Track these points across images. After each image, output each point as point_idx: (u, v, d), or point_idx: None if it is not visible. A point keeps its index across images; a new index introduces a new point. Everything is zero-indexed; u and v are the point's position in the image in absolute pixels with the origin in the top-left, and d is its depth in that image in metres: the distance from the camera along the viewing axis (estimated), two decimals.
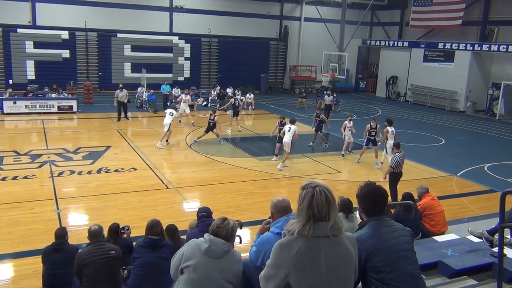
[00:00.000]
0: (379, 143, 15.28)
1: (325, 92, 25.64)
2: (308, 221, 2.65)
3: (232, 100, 20.92)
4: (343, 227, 2.76)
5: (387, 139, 14.49)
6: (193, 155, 15.86)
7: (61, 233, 6.21)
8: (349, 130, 15.86)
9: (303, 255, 2.65)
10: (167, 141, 16.79)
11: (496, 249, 5.18)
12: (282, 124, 15.63)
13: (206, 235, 3.70)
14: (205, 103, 26.68)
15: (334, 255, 2.70)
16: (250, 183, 13.02)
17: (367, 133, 15.22)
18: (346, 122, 16.00)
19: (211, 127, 16.95)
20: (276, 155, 15.43)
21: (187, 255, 3.66)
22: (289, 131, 14.44)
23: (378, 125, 15.22)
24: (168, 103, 24.94)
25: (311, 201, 2.65)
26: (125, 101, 20.90)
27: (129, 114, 22.14)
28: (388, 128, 14.58)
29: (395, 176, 11.20)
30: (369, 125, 15.30)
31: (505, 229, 5.10)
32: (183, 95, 21.49)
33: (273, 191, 12.09)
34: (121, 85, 21.16)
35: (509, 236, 6.09)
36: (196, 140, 17.13)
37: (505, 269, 4.63)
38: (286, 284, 2.71)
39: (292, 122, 14.82)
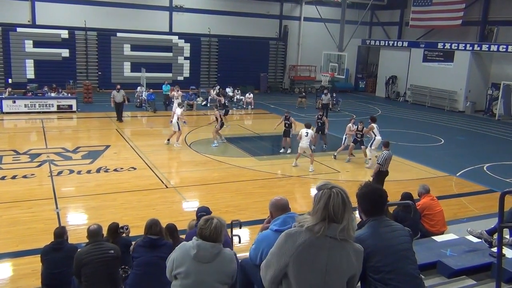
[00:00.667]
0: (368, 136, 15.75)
1: (323, 92, 25.67)
2: (322, 221, 2.66)
3: (222, 99, 21.02)
4: (353, 234, 2.75)
5: (375, 135, 15.05)
6: (192, 155, 15.85)
7: (60, 232, 6.20)
8: (352, 132, 15.89)
9: (306, 249, 2.67)
10: (168, 139, 16.73)
11: (495, 249, 5.18)
12: (287, 119, 16.15)
13: (194, 239, 3.63)
14: (204, 102, 26.67)
15: (337, 257, 2.71)
16: (249, 183, 13.02)
17: (354, 134, 15.72)
18: (350, 124, 16.04)
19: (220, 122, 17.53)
20: (284, 147, 16.24)
21: (177, 261, 3.63)
22: (306, 136, 14.26)
23: (364, 128, 15.56)
24: (167, 103, 24.95)
25: (327, 202, 2.65)
26: (126, 102, 20.76)
27: (128, 113, 22.18)
28: (372, 124, 15.09)
29: (380, 174, 11.19)
30: (356, 126, 15.73)
31: (504, 229, 5.10)
32: (174, 92, 21.33)
33: (272, 191, 12.08)
34: (118, 86, 20.88)
35: (508, 236, 6.10)
36: (223, 139, 17.47)
37: (504, 269, 4.63)
38: (284, 274, 2.73)
39: (308, 126, 14.59)
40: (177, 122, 16.50)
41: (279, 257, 2.73)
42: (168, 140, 16.77)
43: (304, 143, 14.27)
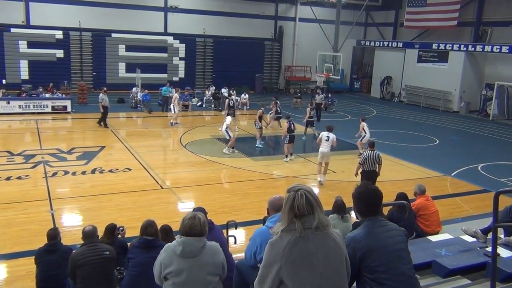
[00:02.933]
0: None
1: (317, 91, 25.77)
2: (291, 220, 2.74)
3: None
4: (329, 225, 2.84)
5: (365, 133, 16.16)
6: (188, 156, 15.83)
7: (53, 234, 6.16)
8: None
9: (293, 247, 2.71)
10: (232, 147, 16.19)
11: (489, 249, 5.21)
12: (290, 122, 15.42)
13: (178, 237, 3.74)
14: (199, 103, 26.65)
15: (324, 245, 2.76)
16: (245, 183, 13.01)
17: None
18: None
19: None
20: (291, 155, 15.41)
21: (165, 262, 3.71)
22: (327, 140, 12.80)
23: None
24: (160, 103, 24.90)
25: (292, 204, 2.75)
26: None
27: (123, 114, 22.08)
28: (363, 123, 16.21)
29: (366, 174, 11.22)
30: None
31: (499, 229, 5.12)
32: (176, 94, 20.99)
33: (268, 191, 12.08)
34: (105, 88, 20.07)
35: (502, 236, 6.14)
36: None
37: (498, 268, 4.65)
38: (279, 281, 2.73)
39: (330, 129, 13.12)
40: (226, 130, 16.01)
41: (270, 265, 2.76)
42: (233, 148, 16.18)
43: (325, 148, 12.76)
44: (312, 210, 2.75)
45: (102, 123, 19.54)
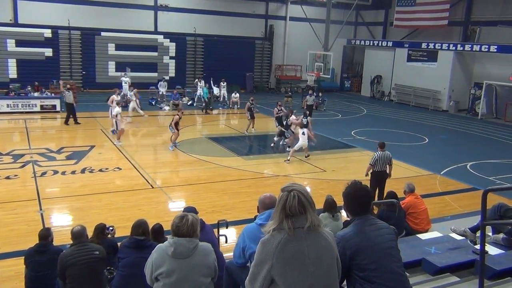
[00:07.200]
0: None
1: (308, 92, 25.77)
2: (282, 221, 2.74)
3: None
4: (321, 225, 2.84)
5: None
6: (178, 155, 15.77)
7: (45, 235, 6.10)
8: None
9: (285, 246, 2.71)
10: (175, 142, 16.25)
11: (478, 246, 5.26)
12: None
13: (170, 238, 3.71)
14: (190, 102, 26.54)
15: (316, 245, 2.76)
16: (235, 183, 13.00)
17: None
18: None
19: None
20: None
21: (156, 263, 3.68)
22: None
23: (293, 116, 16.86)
24: (153, 102, 24.80)
25: (284, 204, 2.75)
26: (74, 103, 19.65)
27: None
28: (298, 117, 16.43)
29: (374, 175, 11.19)
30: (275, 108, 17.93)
31: (487, 227, 5.18)
32: (114, 95, 19.20)
33: (259, 190, 12.05)
34: (68, 86, 20.00)
35: (490, 234, 6.20)
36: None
37: (486, 266, 4.71)
38: (270, 280, 2.73)
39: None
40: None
41: (261, 264, 2.76)
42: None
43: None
44: (304, 211, 2.74)
45: (67, 121, 19.39)
